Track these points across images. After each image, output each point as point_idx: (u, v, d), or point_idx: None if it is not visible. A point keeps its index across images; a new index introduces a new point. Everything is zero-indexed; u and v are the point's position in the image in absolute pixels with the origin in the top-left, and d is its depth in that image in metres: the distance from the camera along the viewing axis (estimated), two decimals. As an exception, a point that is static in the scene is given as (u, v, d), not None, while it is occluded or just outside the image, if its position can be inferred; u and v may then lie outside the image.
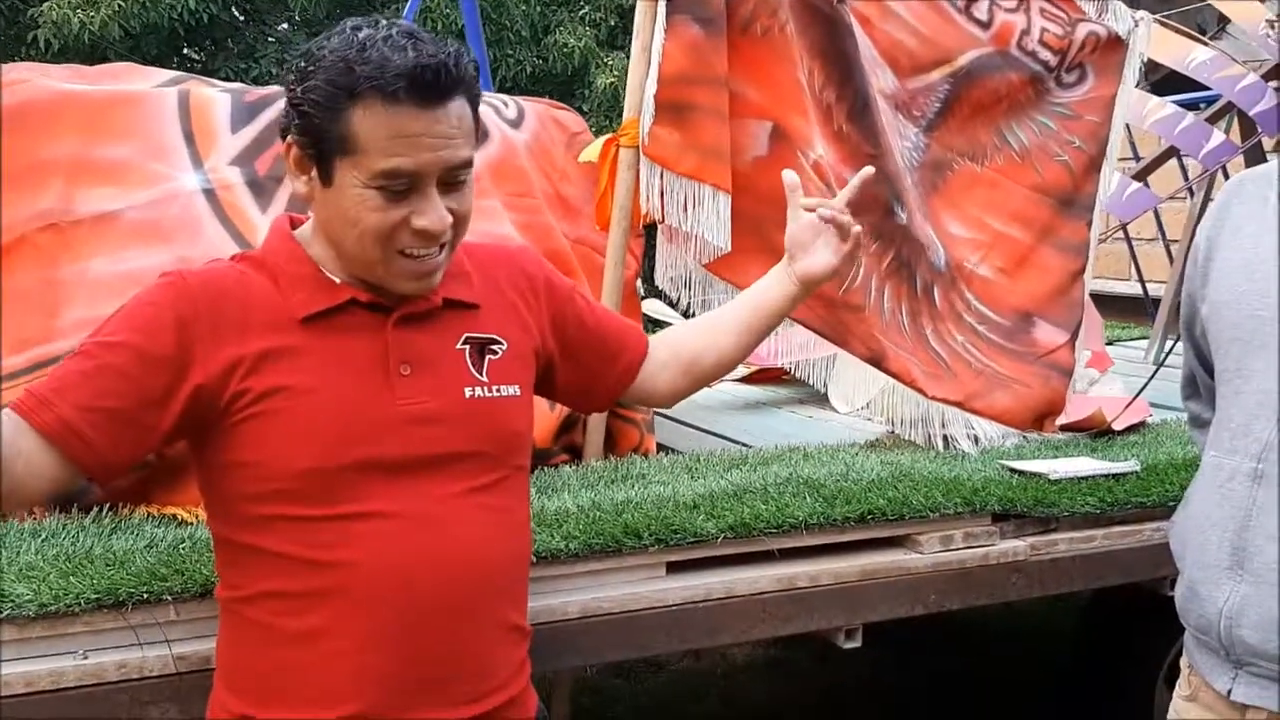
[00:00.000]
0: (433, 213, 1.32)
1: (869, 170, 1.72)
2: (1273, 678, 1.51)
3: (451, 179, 1.34)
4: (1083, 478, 2.34)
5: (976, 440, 2.64)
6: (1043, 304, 2.81)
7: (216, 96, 2.26)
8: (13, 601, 1.55)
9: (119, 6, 8.59)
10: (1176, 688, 1.72)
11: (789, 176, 1.71)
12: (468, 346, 1.44)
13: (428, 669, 1.36)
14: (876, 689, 3.86)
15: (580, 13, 9.61)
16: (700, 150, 2.31)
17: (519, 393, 1.48)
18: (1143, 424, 2.89)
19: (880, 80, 2.60)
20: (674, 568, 1.98)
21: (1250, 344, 1.56)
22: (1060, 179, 2.84)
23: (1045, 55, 2.79)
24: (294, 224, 1.45)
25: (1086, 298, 2.98)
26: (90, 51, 8.77)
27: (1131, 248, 5.10)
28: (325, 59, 1.29)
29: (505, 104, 2.61)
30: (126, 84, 2.29)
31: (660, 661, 4.04)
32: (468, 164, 1.35)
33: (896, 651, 3.82)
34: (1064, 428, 2.80)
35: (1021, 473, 2.38)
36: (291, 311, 1.35)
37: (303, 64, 1.32)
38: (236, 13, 10.53)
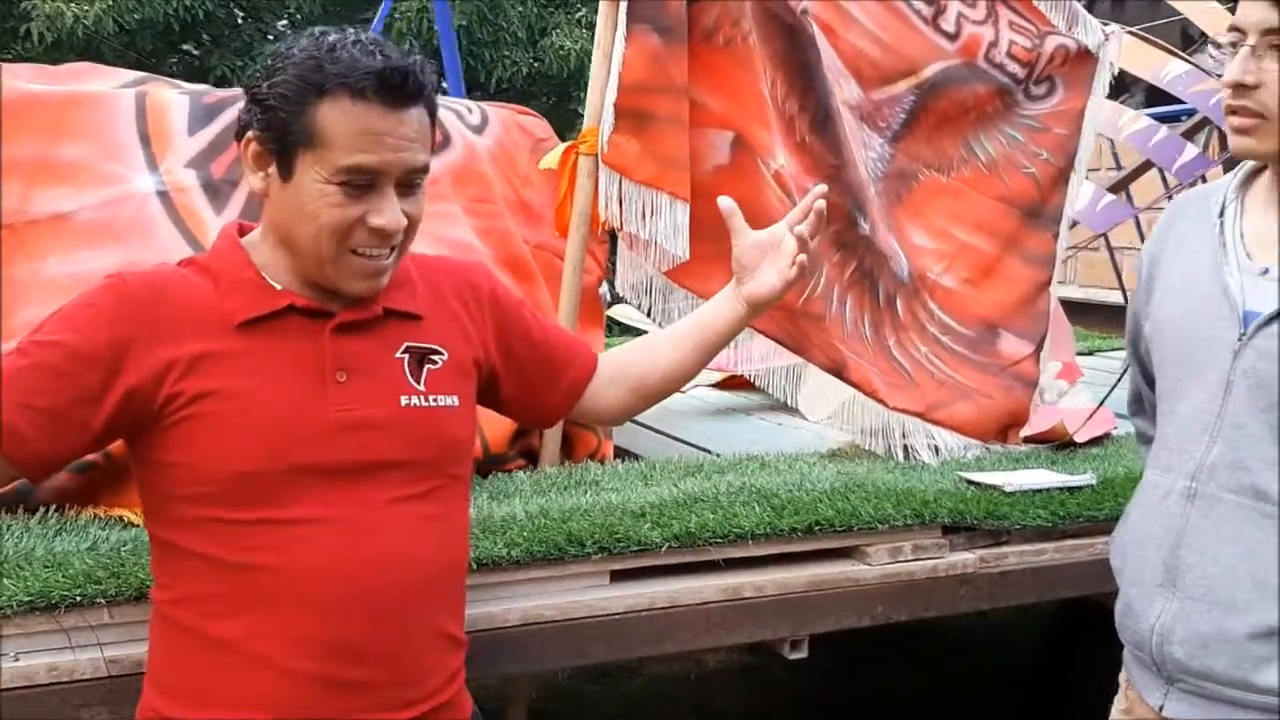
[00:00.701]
0: (390, 212, 1.34)
1: (823, 188, 1.69)
2: (1200, 694, 1.51)
3: (408, 181, 1.36)
4: (1037, 490, 2.34)
5: (937, 451, 2.64)
6: (1008, 315, 2.82)
7: (175, 99, 2.27)
8: (-56, 602, 1.55)
9: (113, 1, 8.59)
10: (1114, 702, 1.72)
11: (724, 202, 1.69)
12: (407, 355, 1.44)
13: (353, 674, 1.36)
14: (850, 698, 3.86)
15: (577, 15, 9.61)
16: (659, 159, 2.31)
17: (457, 403, 1.48)
18: (1107, 436, 2.89)
19: (844, 91, 2.60)
20: (618, 576, 1.98)
21: (1188, 363, 1.57)
22: (1027, 190, 2.84)
23: (1013, 68, 2.80)
24: (243, 231, 1.46)
25: (1056, 308, 2.98)
26: (84, 46, 8.77)
27: (1114, 258, 5.10)
28: (294, 56, 1.32)
29: (469, 110, 2.61)
30: (88, 84, 2.30)
31: (634, 667, 4.05)
32: (425, 169, 1.38)
33: (870, 661, 3.83)
34: (1027, 439, 2.80)
35: (978, 484, 2.38)
36: (229, 316, 1.36)
37: (270, 62, 1.35)
38: (235, 9, 10.54)
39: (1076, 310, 5.10)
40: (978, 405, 2.71)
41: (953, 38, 2.75)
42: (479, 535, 1.87)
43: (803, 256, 1.68)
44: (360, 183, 1.32)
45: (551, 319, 2.27)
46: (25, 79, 2.27)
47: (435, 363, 1.46)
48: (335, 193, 1.32)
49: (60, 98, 2.19)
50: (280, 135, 1.32)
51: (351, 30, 1.35)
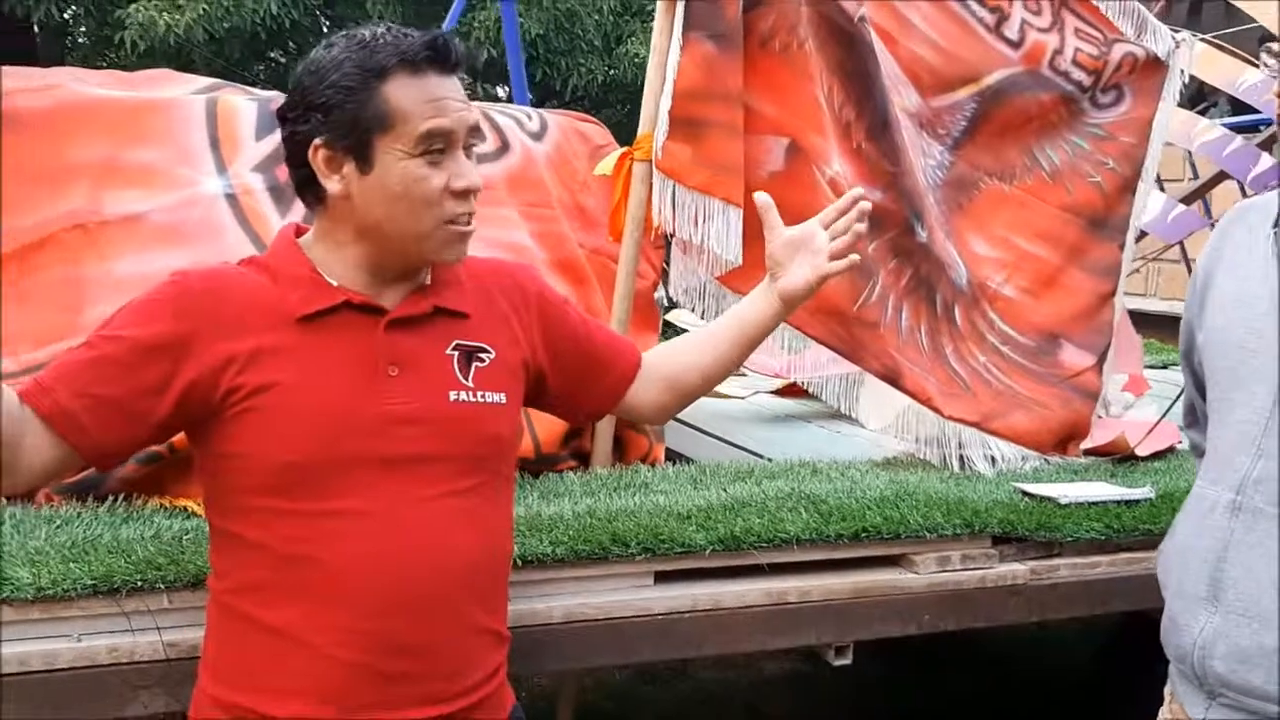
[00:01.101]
0: (469, 172, 1.42)
1: (859, 190, 1.71)
2: (1241, 708, 1.49)
3: (470, 143, 1.43)
4: (1093, 503, 2.31)
5: (994, 461, 2.62)
6: (1069, 325, 2.78)
7: (243, 105, 2.34)
8: (13, 584, 1.62)
9: (203, 10, 8.85)
10: (1160, 714, 1.71)
11: (760, 197, 1.72)
12: (456, 353, 1.48)
13: (396, 665, 1.40)
14: (902, 706, 3.83)
15: (652, 22, 9.66)
16: (712, 165, 2.33)
17: (504, 401, 1.51)
18: (1170, 450, 2.84)
19: (903, 98, 2.59)
20: (662, 577, 2.00)
21: (1236, 374, 1.55)
22: (1092, 200, 2.80)
23: (1079, 75, 2.76)
24: (299, 233, 1.50)
25: (1123, 320, 2.93)
26: (175, 53, 9.05)
27: (1190, 269, 4.99)
28: (338, 58, 1.38)
29: (529, 116, 2.66)
30: (161, 90, 2.39)
31: (685, 669, 4.06)
32: (479, 129, 1.45)
33: (924, 670, 3.80)
34: (1088, 452, 2.76)
35: (1032, 496, 2.36)
36: (288, 311, 1.40)
37: (312, 70, 1.39)
38: (320, 16, 10.78)
39: (1156, 323, 4.99)
40: (1036, 416, 2.68)
41: (1016, 45, 2.73)
42: (525, 533, 1.90)
43: (854, 256, 1.69)
44: (438, 147, 1.38)
45: (601, 321, 2.30)
46: (94, 84, 2.37)
47: (483, 360, 1.49)
48: (420, 165, 1.38)
49: (133, 103, 2.28)
50: (351, 128, 1.37)
51: (366, 26, 1.41)
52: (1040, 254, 2.79)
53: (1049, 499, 2.33)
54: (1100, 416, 2.83)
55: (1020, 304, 2.77)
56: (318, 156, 1.39)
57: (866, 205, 1.70)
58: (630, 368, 1.72)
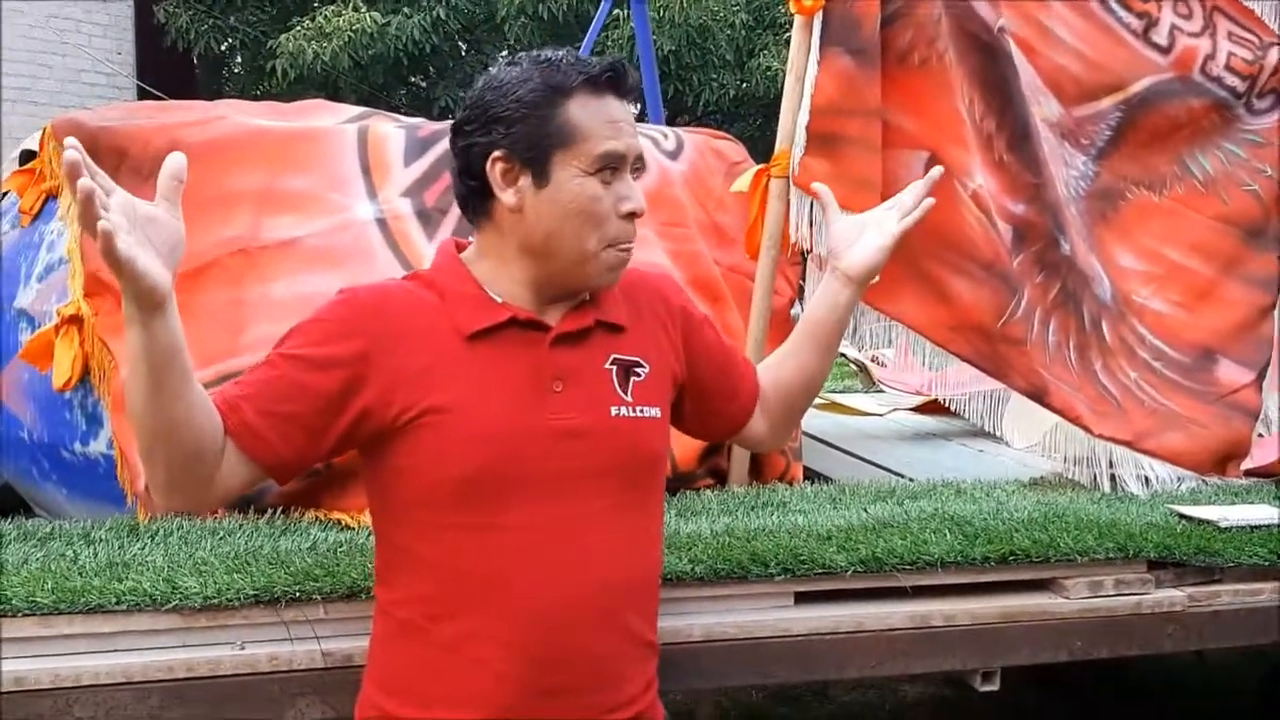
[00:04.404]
0: (637, 195, 1.45)
1: (939, 169, 1.78)
2: None
3: (637, 168, 1.47)
4: (1255, 526, 2.20)
5: (1147, 482, 2.52)
6: (1226, 340, 2.66)
7: (392, 132, 2.43)
8: (182, 593, 1.71)
9: (349, 38, 9.20)
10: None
11: (820, 187, 1.77)
12: (615, 367, 1.49)
13: (562, 679, 1.42)
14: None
15: (785, 36, 9.64)
16: (849, 181, 2.31)
17: (659, 414, 1.53)
18: (1342, 472, 2.68)
19: (1043, 108, 2.53)
20: (802, 598, 1.98)
21: None
22: (1249, 209, 2.69)
23: (1232, 81, 2.66)
24: (459, 248, 1.54)
25: (1281, 335, 2.79)
26: (324, 80, 9.43)
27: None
28: (523, 75, 1.42)
29: (665, 135, 2.68)
30: (315, 120, 2.49)
31: (825, 692, 4.01)
32: (644, 158, 1.49)
33: (1075, 700, 3.66)
34: (1249, 473, 2.63)
35: (1189, 518, 2.26)
36: (456, 327, 1.44)
37: (495, 85, 1.43)
38: (459, 42, 11.08)
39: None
40: (1192, 435, 2.57)
41: (1165, 50, 2.64)
42: (664, 550, 1.91)
43: (928, 200, 1.74)
44: (611, 168, 1.41)
45: (735, 339, 2.30)
46: (255, 115, 2.48)
47: (639, 374, 1.50)
48: (594, 184, 1.41)
49: (289, 133, 2.39)
50: (532, 142, 1.40)
51: (548, 48, 1.47)
52: (1193, 266, 2.68)
53: (1208, 522, 2.23)
54: (1261, 435, 2.70)
55: (1172, 318, 2.66)
56: (495, 169, 1.42)
57: (938, 170, 1.76)
58: (755, 393, 1.71)
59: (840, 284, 1.72)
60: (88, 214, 1.15)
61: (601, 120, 1.41)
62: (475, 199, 1.46)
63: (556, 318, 1.47)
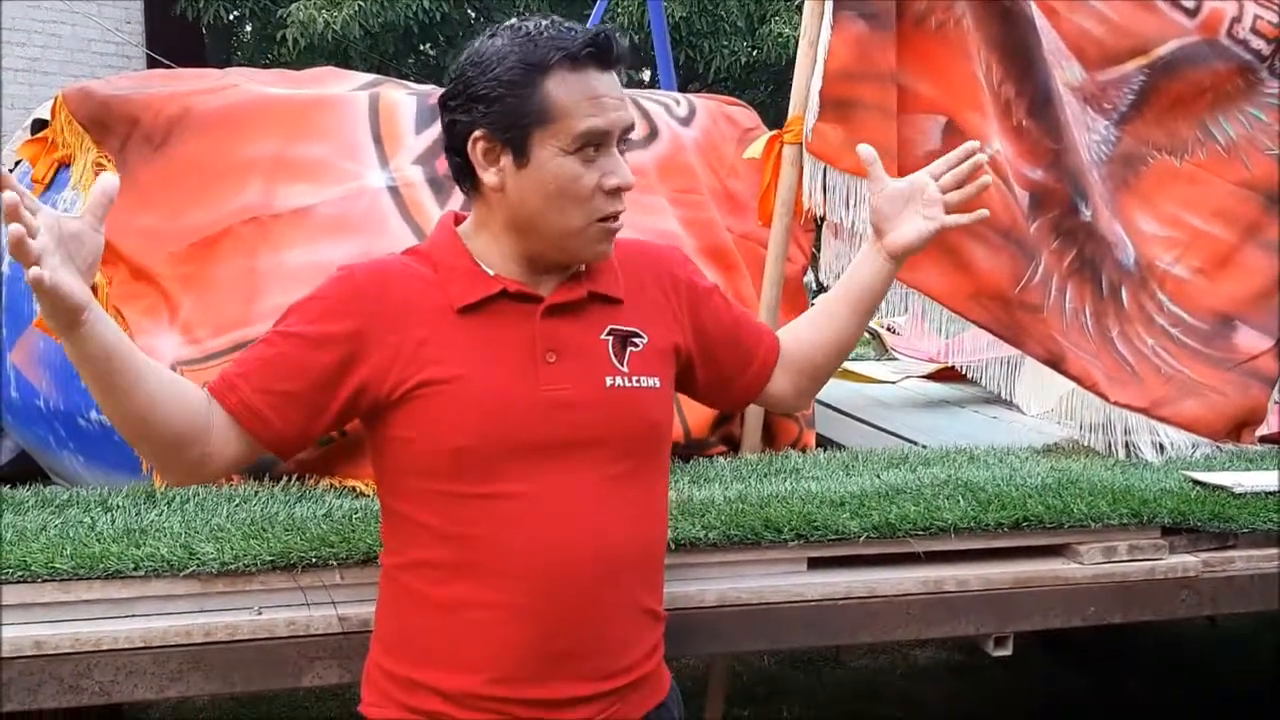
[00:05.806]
0: (622, 170, 1.43)
1: (975, 144, 1.68)
2: None
3: (624, 141, 1.44)
4: (1269, 492, 2.19)
5: (1162, 449, 2.51)
6: (1245, 307, 2.65)
7: (403, 99, 2.41)
8: (199, 559, 1.73)
9: (359, 6, 9.16)
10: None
11: (863, 149, 1.68)
12: (611, 338, 1.50)
13: (560, 644, 1.43)
14: (1063, 701, 3.72)
15: (797, 1, 9.56)
16: (864, 146, 2.29)
17: (658, 385, 1.52)
18: (1359, 438, 2.67)
19: (1065, 73, 2.50)
20: (815, 564, 1.98)
21: None
22: (1271, 174, 2.67)
23: (1258, 44, 2.63)
24: (458, 220, 1.54)
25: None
26: (334, 49, 9.39)
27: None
28: (502, 50, 1.40)
29: (677, 102, 2.66)
30: (326, 88, 2.48)
31: (838, 657, 4.03)
32: (633, 126, 1.46)
33: (1089, 664, 3.68)
34: (1264, 439, 2.63)
35: (1204, 484, 2.25)
36: (449, 301, 1.45)
37: (476, 60, 1.41)
38: (469, 9, 11.01)
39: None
40: (1208, 402, 2.56)
41: (1192, 13, 2.60)
42: (677, 516, 1.91)
43: (982, 211, 1.68)
44: (594, 144, 1.39)
45: (749, 307, 2.29)
46: (266, 83, 2.47)
47: (637, 345, 1.51)
48: (574, 163, 1.39)
49: (302, 101, 2.37)
50: (511, 121, 1.39)
51: (530, 18, 1.43)
52: (1214, 232, 2.66)
53: (1223, 488, 2.23)
54: (1277, 403, 2.68)
55: (1192, 285, 2.65)
56: (476, 148, 1.42)
57: (981, 157, 1.67)
58: (772, 354, 1.71)
59: (882, 257, 1.70)
60: (19, 254, 1.18)
61: (581, 96, 1.38)
62: (463, 174, 1.47)
63: (549, 289, 1.48)
